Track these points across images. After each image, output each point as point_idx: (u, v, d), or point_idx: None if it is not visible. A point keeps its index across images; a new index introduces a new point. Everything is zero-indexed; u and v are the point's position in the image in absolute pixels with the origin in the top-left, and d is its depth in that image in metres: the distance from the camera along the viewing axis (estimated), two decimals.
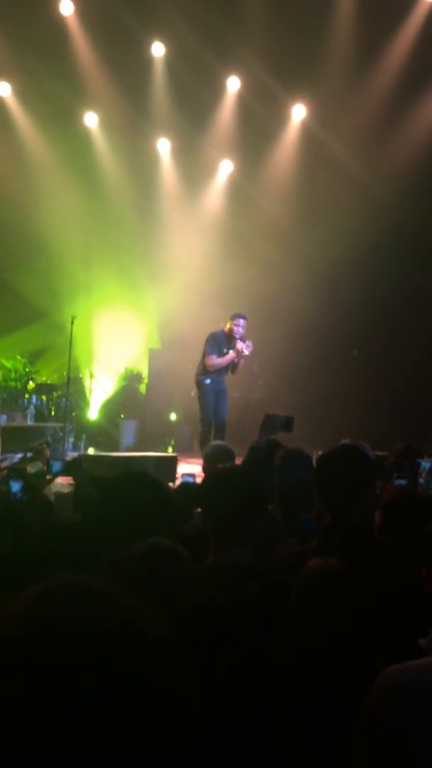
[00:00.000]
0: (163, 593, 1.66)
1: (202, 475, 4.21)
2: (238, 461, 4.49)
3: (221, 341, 7.93)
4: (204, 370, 8.00)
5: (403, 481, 3.44)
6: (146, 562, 1.82)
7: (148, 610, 0.69)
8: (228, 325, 7.97)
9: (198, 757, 0.61)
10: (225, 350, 7.94)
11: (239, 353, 7.81)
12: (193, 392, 8.18)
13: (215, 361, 7.84)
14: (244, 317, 7.94)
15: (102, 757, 0.55)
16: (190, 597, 1.01)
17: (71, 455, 7.81)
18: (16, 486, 3.50)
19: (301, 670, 0.92)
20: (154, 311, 13.05)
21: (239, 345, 7.77)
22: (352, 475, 2.27)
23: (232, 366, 8.02)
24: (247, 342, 7.82)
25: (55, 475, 5.68)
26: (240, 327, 7.86)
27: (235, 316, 7.95)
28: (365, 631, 0.99)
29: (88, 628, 0.61)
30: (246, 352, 7.84)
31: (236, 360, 7.96)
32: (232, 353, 7.81)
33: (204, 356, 8.07)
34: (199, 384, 8.04)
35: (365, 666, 0.99)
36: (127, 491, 2.00)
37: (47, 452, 6.63)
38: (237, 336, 7.82)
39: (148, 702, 0.58)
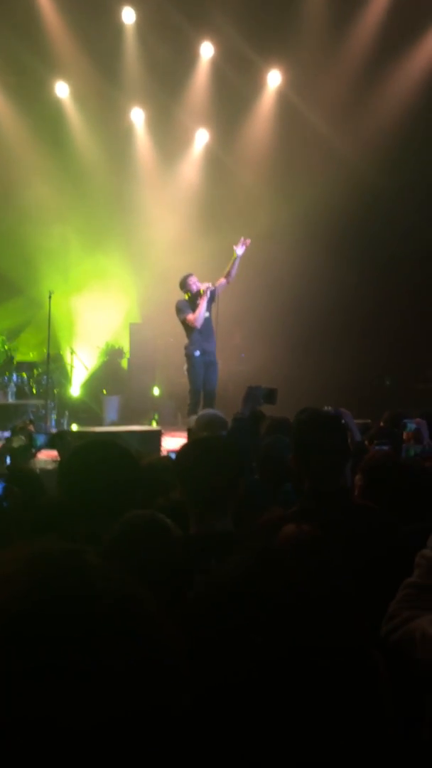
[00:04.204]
0: (152, 563, 1.66)
1: None
2: None
3: (190, 303, 8.10)
4: (192, 342, 8.08)
5: (384, 447, 3.45)
6: (133, 533, 1.81)
7: (138, 583, 0.68)
8: (186, 296, 8.12)
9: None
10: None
11: (206, 290, 7.96)
12: (185, 366, 8.23)
13: (193, 315, 7.99)
14: (189, 273, 8.17)
15: (90, 732, 0.54)
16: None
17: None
18: None
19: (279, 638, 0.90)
20: (134, 285, 12.92)
21: (239, 249, 8.01)
22: (331, 443, 2.27)
23: (227, 274, 8.17)
24: (242, 242, 8.01)
25: (40, 448, 5.65)
26: (194, 282, 8.07)
27: (184, 278, 8.14)
28: (344, 595, 0.97)
29: (84, 600, 0.60)
30: (241, 250, 8.02)
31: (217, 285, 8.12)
32: (202, 300, 7.96)
33: (185, 326, 8.15)
34: (189, 357, 8.14)
35: (347, 629, 0.97)
36: (91, 461, 1.96)
37: (32, 429, 6.59)
38: (196, 289, 8.00)
39: (140, 678, 0.57)
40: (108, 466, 1.87)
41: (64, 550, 0.65)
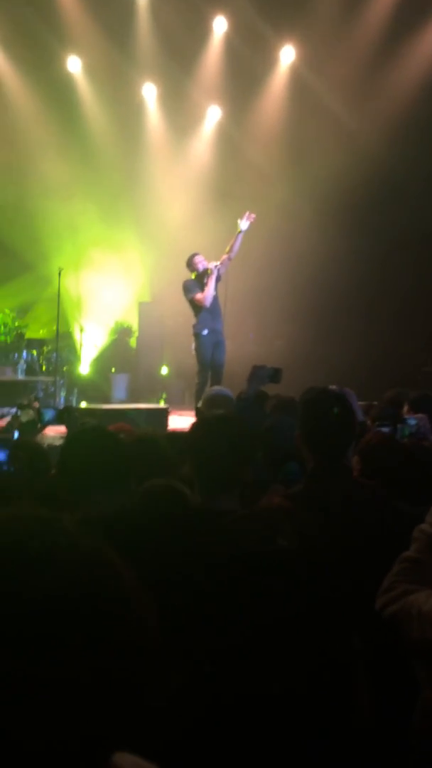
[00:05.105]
0: (168, 528, 1.70)
1: None
2: None
3: (197, 283, 8.07)
4: (200, 321, 8.08)
5: (385, 428, 3.46)
6: (151, 500, 1.86)
7: (112, 551, 0.66)
8: (193, 275, 8.10)
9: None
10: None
11: (214, 269, 7.95)
12: (193, 345, 8.23)
13: (201, 295, 7.96)
14: (195, 253, 8.18)
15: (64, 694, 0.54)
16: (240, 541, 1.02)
17: None
18: (1, 455, 3.11)
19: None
20: (144, 264, 12.88)
21: (243, 224, 7.99)
22: (338, 421, 2.28)
23: (229, 249, 8.15)
24: (246, 217, 8.02)
25: (47, 423, 5.68)
26: (201, 261, 8.05)
27: (191, 258, 8.14)
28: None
29: (49, 564, 0.58)
30: (245, 225, 7.99)
31: (221, 264, 8.09)
32: (210, 279, 7.95)
33: (193, 306, 8.12)
34: (197, 336, 8.14)
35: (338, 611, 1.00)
36: (81, 446, 2.14)
37: (37, 405, 6.63)
38: (203, 268, 7.98)
39: (105, 645, 0.56)
40: (96, 452, 2.10)
41: (35, 515, 0.63)
